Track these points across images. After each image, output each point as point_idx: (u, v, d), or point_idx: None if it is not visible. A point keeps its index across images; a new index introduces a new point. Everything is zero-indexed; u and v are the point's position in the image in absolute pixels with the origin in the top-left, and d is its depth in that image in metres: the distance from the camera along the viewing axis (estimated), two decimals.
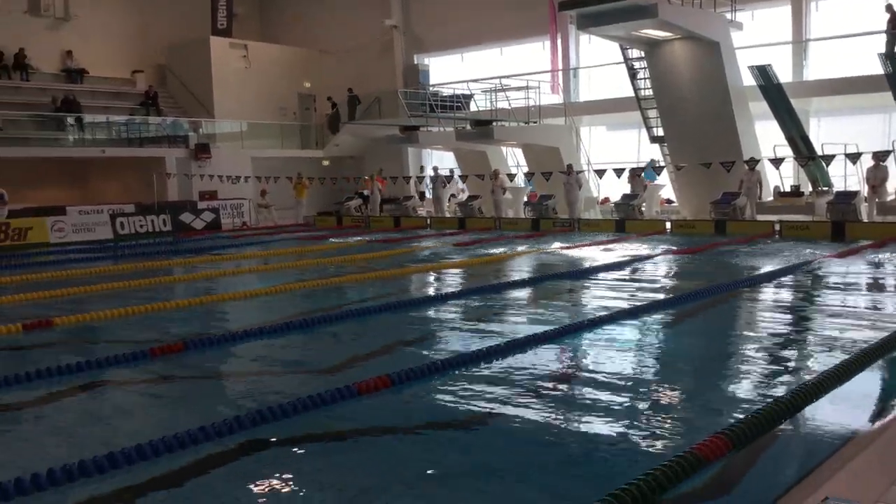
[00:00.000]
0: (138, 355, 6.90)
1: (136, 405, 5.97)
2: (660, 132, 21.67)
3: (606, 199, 23.59)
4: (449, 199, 25.54)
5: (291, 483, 4.17)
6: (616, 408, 5.29)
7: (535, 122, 23.65)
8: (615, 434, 4.78)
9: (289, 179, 25.69)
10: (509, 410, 5.32)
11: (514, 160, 26.65)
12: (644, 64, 21.15)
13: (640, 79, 21.66)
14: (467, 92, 25.70)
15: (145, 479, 4.20)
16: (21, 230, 19.84)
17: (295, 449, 4.73)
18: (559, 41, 26.13)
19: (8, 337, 8.03)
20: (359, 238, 19.67)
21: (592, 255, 14.76)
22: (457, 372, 6.24)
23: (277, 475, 4.26)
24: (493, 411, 5.31)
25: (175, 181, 25.86)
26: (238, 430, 4.82)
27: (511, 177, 23.95)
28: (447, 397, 5.67)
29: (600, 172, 21.67)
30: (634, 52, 21.43)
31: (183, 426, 4.75)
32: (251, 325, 8.33)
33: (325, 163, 30.35)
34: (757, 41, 21.26)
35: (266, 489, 4.09)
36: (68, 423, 5.51)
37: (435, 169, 25.69)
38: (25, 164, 23.88)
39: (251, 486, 4.12)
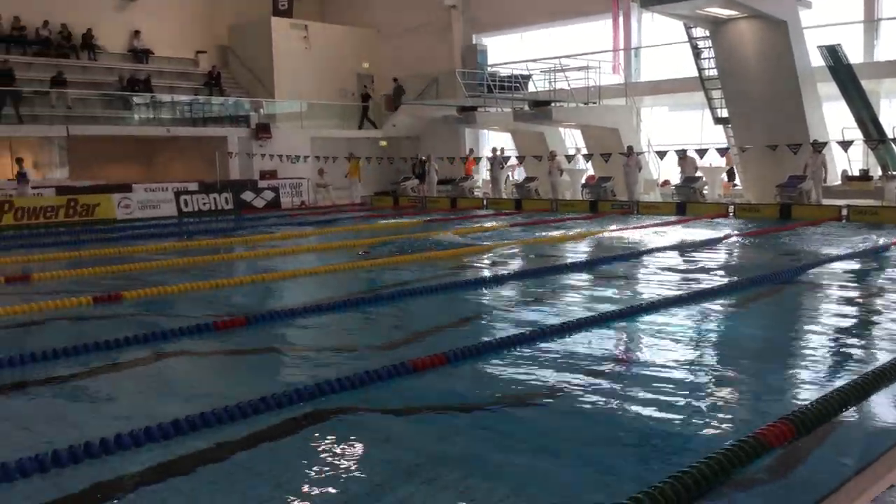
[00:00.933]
0: (203, 328, 7.10)
1: (200, 375, 6.15)
2: (724, 113, 21.15)
3: (667, 182, 23.16)
4: (506, 181, 25.42)
5: (347, 456, 4.24)
6: (678, 391, 5.21)
7: (594, 103, 23.34)
8: (677, 417, 4.72)
9: (347, 160, 25.91)
10: (566, 390, 5.30)
11: (572, 141, 26.35)
12: (708, 43, 20.64)
13: (704, 58, 21.16)
14: (526, 72, 25.44)
15: (210, 447, 4.32)
16: (89, 206, 20.48)
17: (351, 423, 4.80)
18: (621, 19, 25.67)
19: (79, 308, 8.32)
20: (415, 218, 19.74)
21: (650, 238, 14.54)
22: (512, 351, 6.25)
23: (334, 448, 4.33)
24: (549, 391, 5.31)
25: (237, 160, 26.30)
26: (297, 402, 4.93)
27: (569, 158, 23.70)
28: (502, 375, 5.68)
29: (661, 154, 21.33)
30: (699, 31, 20.93)
31: (244, 397, 4.87)
32: (310, 301, 8.48)
33: (383, 143, 30.49)
34: (826, 20, 20.57)
35: (325, 460, 4.16)
36: (136, 391, 5.71)
37: (493, 150, 25.58)
38: (93, 142, 24.58)
39: (310, 457, 4.20)
